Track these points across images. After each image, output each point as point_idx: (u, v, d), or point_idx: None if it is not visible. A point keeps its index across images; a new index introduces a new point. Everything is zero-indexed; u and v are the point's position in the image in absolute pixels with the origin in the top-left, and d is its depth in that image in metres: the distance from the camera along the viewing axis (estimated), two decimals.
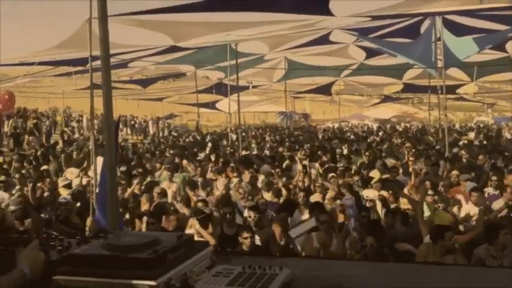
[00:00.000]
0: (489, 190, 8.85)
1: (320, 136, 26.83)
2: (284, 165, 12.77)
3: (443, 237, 5.40)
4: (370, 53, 21.22)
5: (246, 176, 11.06)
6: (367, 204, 8.15)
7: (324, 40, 18.62)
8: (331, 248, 6.24)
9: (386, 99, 34.16)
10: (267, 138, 25.69)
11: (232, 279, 1.91)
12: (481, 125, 39.26)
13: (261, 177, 10.94)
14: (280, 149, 17.90)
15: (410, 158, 12.71)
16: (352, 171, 10.96)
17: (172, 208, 7.91)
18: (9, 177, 11.45)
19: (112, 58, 14.83)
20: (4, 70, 18.92)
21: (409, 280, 2.13)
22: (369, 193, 9.03)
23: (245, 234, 5.90)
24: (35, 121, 23.29)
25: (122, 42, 11.35)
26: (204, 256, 2.15)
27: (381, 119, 47.56)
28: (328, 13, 9.14)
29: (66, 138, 24.34)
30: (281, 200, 8.72)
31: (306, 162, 11.22)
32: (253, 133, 30.53)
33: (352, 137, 25.81)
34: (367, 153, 14.30)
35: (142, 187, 10.01)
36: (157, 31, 10.17)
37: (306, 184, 9.81)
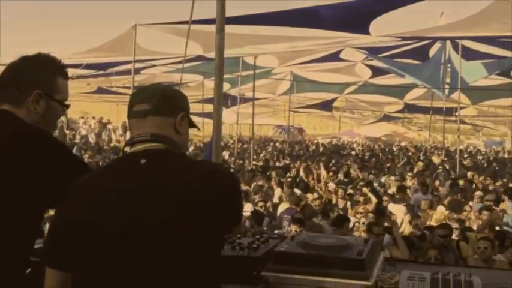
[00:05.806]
0: None
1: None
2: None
3: None
4: (376, 72, 21.54)
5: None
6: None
7: (334, 57, 18.86)
8: None
9: (385, 118, 34.57)
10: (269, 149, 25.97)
11: (432, 284, 1.99)
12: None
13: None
14: (286, 161, 18.27)
15: None
16: None
17: None
18: None
19: (137, 64, 14.88)
20: None
21: None
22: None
23: None
24: None
25: (152, 49, 11.44)
26: (382, 261, 2.24)
27: (371, 137, 47.95)
28: (366, 32, 9.34)
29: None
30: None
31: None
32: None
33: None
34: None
35: None
36: (190, 40, 10.32)
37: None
